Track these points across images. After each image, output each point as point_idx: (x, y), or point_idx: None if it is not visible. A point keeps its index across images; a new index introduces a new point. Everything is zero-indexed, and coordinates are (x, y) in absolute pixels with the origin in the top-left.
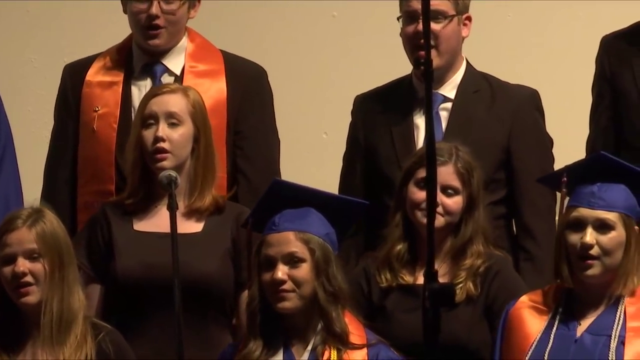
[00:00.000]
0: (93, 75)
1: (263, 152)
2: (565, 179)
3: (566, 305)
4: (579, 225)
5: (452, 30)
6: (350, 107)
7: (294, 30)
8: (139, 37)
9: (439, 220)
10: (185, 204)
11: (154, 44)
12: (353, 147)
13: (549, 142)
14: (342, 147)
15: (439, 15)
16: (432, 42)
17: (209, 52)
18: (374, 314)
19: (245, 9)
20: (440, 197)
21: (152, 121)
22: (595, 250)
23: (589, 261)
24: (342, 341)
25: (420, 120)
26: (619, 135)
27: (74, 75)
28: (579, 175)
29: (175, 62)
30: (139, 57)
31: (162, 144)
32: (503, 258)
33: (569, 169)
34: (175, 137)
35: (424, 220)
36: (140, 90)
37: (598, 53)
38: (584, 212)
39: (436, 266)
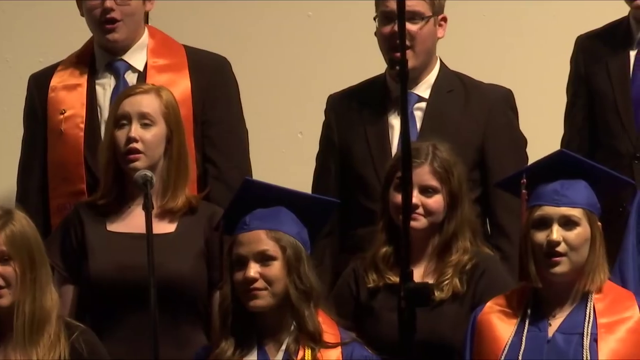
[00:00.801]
0: (58, 79)
1: (231, 140)
2: (524, 180)
3: (534, 306)
4: (545, 223)
5: (429, 31)
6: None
7: (269, 30)
8: (98, 34)
9: (422, 222)
10: (158, 205)
11: (112, 39)
12: (327, 147)
13: (523, 141)
14: (317, 147)
15: (416, 16)
16: (408, 43)
17: (170, 47)
18: (363, 314)
19: (220, 9)
20: (420, 198)
21: (124, 122)
22: (562, 247)
23: (556, 258)
24: (315, 340)
25: (394, 120)
26: (594, 136)
27: (38, 84)
28: (541, 175)
29: (137, 59)
30: (101, 57)
31: (134, 145)
32: (492, 256)
33: (528, 170)
34: (148, 137)
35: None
36: (104, 89)
37: (573, 53)
38: (549, 210)
39: (423, 265)
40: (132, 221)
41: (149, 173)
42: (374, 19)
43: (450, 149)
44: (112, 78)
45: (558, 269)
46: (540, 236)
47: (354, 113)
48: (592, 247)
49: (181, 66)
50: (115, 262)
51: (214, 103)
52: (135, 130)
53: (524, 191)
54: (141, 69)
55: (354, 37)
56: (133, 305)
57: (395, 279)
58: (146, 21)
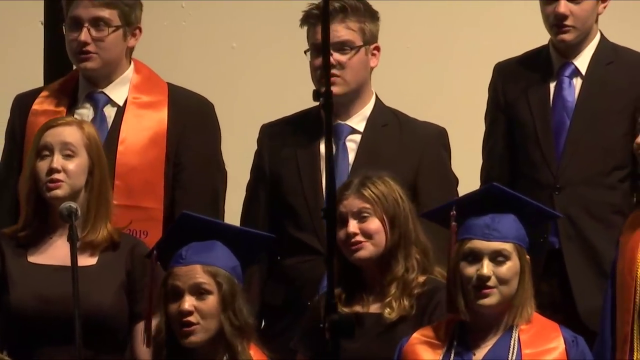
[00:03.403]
0: (39, 104)
1: (201, 185)
2: (453, 212)
3: (460, 337)
4: (475, 257)
5: (359, 61)
6: (252, 138)
7: (193, 61)
8: (75, 64)
9: (367, 248)
10: (78, 237)
11: (84, 67)
12: (258, 176)
13: (455, 180)
14: (245, 177)
15: (345, 46)
16: (338, 73)
17: (154, 84)
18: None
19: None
20: (356, 227)
21: (47, 152)
22: (492, 281)
23: (486, 290)
24: None
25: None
26: (514, 165)
27: (21, 105)
28: (471, 207)
29: (118, 93)
30: (83, 86)
31: (56, 175)
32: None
33: (458, 202)
34: (70, 167)
35: (353, 255)
36: (82, 119)
37: (491, 80)
38: (479, 244)
39: (371, 290)
40: (54, 253)
41: (73, 205)
42: (305, 52)
43: (386, 175)
44: (91, 109)
45: (487, 301)
46: (470, 270)
47: (286, 143)
48: (522, 280)
49: (161, 105)
50: (35, 294)
51: (189, 144)
52: (58, 160)
53: (453, 223)
54: (121, 103)
55: (278, 67)
56: (54, 337)
57: (358, 308)
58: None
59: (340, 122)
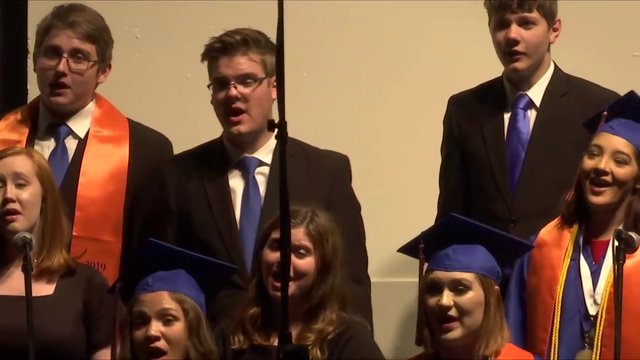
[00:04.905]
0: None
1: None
2: (422, 245)
3: None
4: (436, 288)
5: (263, 93)
6: None
7: (147, 92)
8: (45, 95)
9: (290, 287)
10: (34, 264)
11: (56, 102)
12: (164, 213)
13: (358, 207)
14: None
15: (248, 79)
16: (243, 107)
17: (115, 119)
18: None
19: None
20: (291, 258)
21: None
22: (453, 312)
23: (449, 324)
24: None
25: (236, 184)
26: (469, 197)
27: None
28: (436, 240)
29: (80, 126)
30: (44, 116)
31: (12, 205)
32: (360, 324)
33: (425, 235)
34: (24, 197)
35: (273, 286)
36: (43, 150)
37: (446, 113)
38: (440, 274)
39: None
40: (10, 283)
41: (28, 235)
42: (208, 86)
43: (330, 219)
44: (53, 140)
45: (450, 335)
46: (432, 301)
47: (193, 178)
48: (487, 311)
49: (122, 140)
50: None
51: None
52: (11, 190)
53: (421, 256)
54: (82, 136)
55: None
56: None
57: (262, 340)
58: None
59: (247, 155)
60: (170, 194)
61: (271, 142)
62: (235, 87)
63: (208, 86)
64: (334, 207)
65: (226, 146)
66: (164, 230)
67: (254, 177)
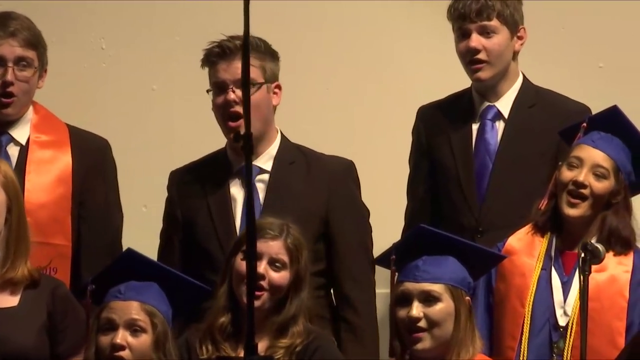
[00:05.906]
0: None
1: (104, 224)
2: (393, 256)
3: None
4: (406, 299)
5: (262, 99)
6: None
7: (113, 103)
8: None
9: (262, 299)
10: None
11: (6, 113)
12: (170, 223)
13: (366, 212)
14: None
15: None
16: (241, 111)
17: (53, 124)
18: None
19: (65, 81)
20: (267, 270)
21: None
22: (423, 323)
23: (418, 334)
24: None
25: (237, 193)
26: (436, 207)
27: None
28: (407, 251)
29: (21, 133)
30: None
31: None
32: (325, 335)
33: (396, 247)
34: None
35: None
36: None
37: (414, 124)
38: (409, 286)
39: (257, 341)
40: None
41: None
42: (207, 91)
43: (301, 232)
44: None
45: (419, 346)
46: (402, 312)
47: (196, 188)
48: (457, 322)
49: (63, 144)
50: None
51: (93, 184)
52: None
53: (392, 268)
54: (24, 142)
55: (198, 110)
56: None
57: (230, 351)
58: None
59: None
60: (176, 206)
61: (272, 149)
62: (234, 91)
63: (207, 91)
64: (334, 211)
65: (228, 154)
66: (171, 243)
67: (254, 184)
